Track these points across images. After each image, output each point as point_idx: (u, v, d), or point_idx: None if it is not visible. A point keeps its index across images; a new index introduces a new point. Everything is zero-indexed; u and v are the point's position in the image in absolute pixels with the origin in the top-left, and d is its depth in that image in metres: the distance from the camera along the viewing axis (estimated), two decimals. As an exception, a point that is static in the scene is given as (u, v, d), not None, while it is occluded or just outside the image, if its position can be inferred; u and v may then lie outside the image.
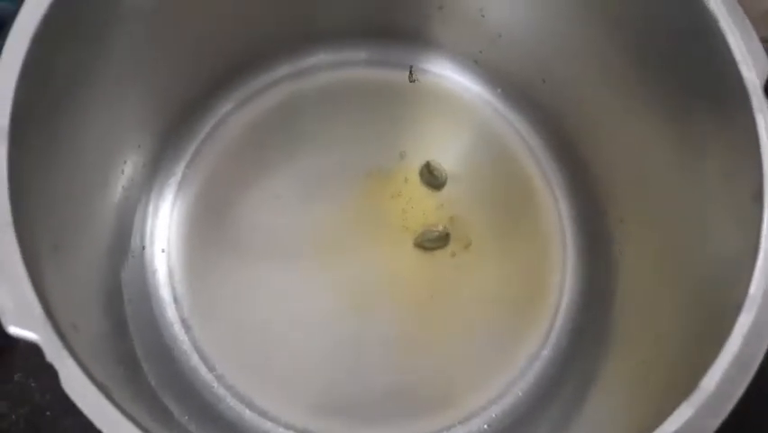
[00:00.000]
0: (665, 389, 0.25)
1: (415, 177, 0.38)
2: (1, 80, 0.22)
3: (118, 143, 0.32)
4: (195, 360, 0.33)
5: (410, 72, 0.40)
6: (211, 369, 0.33)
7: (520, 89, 0.39)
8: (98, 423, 0.19)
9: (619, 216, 0.35)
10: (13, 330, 0.19)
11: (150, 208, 0.36)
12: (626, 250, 0.34)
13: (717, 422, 0.22)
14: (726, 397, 0.22)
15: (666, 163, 0.31)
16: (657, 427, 0.22)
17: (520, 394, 0.34)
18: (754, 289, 0.23)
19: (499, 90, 0.40)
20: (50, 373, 0.34)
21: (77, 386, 0.19)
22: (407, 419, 0.33)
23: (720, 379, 0.22)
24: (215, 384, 0.33)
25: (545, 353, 0.35)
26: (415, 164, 0.38)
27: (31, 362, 0.35)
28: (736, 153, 0.26)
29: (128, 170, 0.33)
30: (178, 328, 0.34)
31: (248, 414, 0.33)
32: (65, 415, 0.34)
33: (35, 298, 0.20)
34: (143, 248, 0.35)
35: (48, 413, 0.34)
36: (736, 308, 0.23)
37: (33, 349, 0.20)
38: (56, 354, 0.19)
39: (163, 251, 0.35)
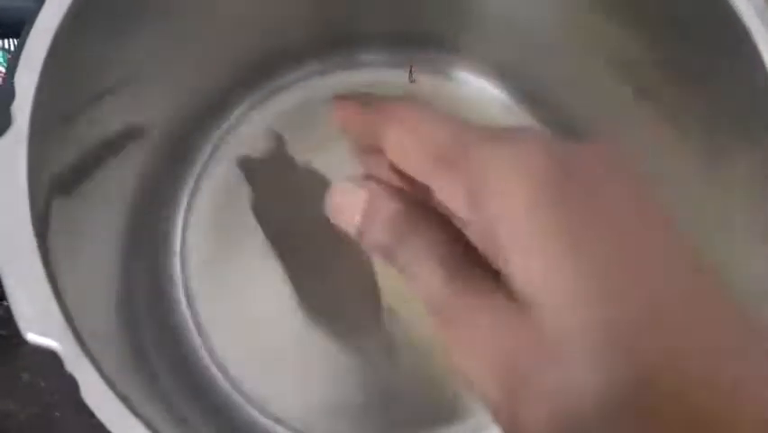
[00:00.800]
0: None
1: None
2: (22, 80, 0.21)
3: (135, 141, 0.31)
4: (209, 364, 0.33)
5: (410, 72, 0.39)
6: (225, 373, 0.33)
7: (537, 93, 0.38)
8: (120, 436, 0.18)
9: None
10: (32, 338, 0.19)
11: (165, 208, 0.35)
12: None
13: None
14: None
15: (686, 166, 0.30)
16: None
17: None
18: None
19: (515, 93, 0.39)
20: (59, 373, 0.34)
21: (97, 397, 0.19)
22: (423, 425, 0.33)
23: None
24: (230, 389, 0.33)
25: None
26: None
27: (39, 361, 0.34)
28: (762, 166, 0.25)
29: (144, 168, 0.33)
30: (192, 331, 0.34)
31: (263, 420, 0.33)
32: (74, 415, 0.34)
33: (56, 304, 0.19)
34: (158, 249, 0.35)
35: (57, 413, 0.34)
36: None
37: (41, 348, 0.20)
38: (76, 362, 0.19)
39: (176, 253, 0.35)
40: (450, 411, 0.33)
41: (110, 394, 0.19)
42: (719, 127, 0.28)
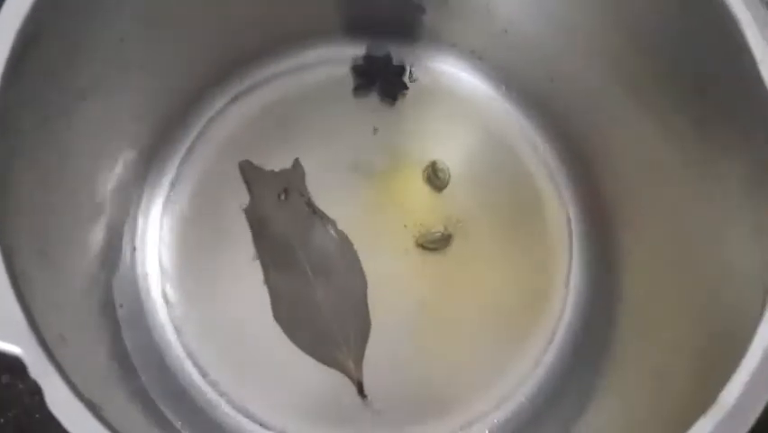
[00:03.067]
0: (680, 402, 0.24)
1: (417, 176, 0.37)
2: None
3: (109, 140, 0.31)
4: (188, 365, 0.33)
5: (410, 72, 0.38)
6: (204, 374, 0.33)
7: (526, 87, 0.38)
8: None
9: (628, 218, 0.34)
10: (-6, 343, 0.18)
11: (142, 208, 0.35)
12: (635, 254, 0.34)
13: (736, 439, 0.21)
14: (747, 412, 0.21)
15: (681, 169, 0.30)
16: (673, 443, 0.21)
17: (523, 400, 0.34)
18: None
19: (504, 88, 0.39)
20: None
21: (63, 405, 0.18)
22: (407, 424, 0.33)
23: (740, 393, 0.21)
24: (209, 390, 0.33)
25: (548, 358, 0.34)
26: (418, 163, 0.37)
27: (18, 363, 0.34)
28: (759, 165, 0.25)
29: (119, 168, 0.32)
30: (170, 332, 0.33)
31: (244, 421, 0.32)
32: (54, 418, 0.33)
33: (18, 308, 0.19)
34: (134, 250, 0.34)
35: (37, 415, 0.33)
36: (756, 319, 0.22)
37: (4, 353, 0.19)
38: (41, 369, 0.18)
39: (154, 255, 0.34)
40: (433, 410, 0.33)
41: (75, 402, 0.18)
42: (713, 127, 0.28)
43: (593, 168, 0.36)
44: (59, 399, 0.18)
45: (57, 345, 0.20)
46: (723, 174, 0.27)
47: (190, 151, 0.36)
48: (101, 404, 0.19)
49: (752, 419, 0.21)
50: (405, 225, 0.36)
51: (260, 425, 0.32)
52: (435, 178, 0.37)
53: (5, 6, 0.21)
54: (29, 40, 0.22)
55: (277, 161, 0.36)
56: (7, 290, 0.19)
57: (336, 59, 0.38)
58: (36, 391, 0.33)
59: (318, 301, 0.34)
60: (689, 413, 0.22)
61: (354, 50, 0.38)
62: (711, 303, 0.26)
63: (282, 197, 0.35)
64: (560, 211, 0.37)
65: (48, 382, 0.18)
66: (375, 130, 0.37)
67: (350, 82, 0.38)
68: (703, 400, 0.22)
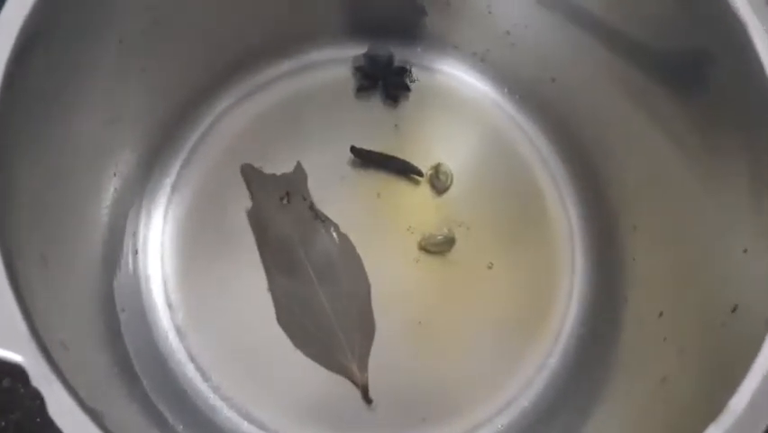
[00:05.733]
0: (687, 409, 0.24)
1: (420, 179, 0.37)
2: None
3: (112, 142, 0.31)
4: (190, 369, 0.33)
5: (410, 72, 0.38)
6: (206, 379, 0.33)
7: (528, 89, 0.38)
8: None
9: (632, 222, 0.34)
10: (-5, 350, 0.18)
11: (144, 211, 0.34)
12: (640, 258, 0.33)
13: (747, 447, 0.21)
14: (757, 419, 0.21)
15: (686, 172, 0.30)
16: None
17: (527, 405, 0.33)
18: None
19: (506, 90, 0.38)
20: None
21: (64, 413, 0.18)
22: (411, 429, 0.33)
23: (750, 399, 0.21)
24: (211, 394, 0.32)
25: (553, 362, 0.34)
26: (420, 165, 0.36)
27: (19, 367, 0.34)
28: (765, 170, 0.24)
29: (121, 170, 0.32)
30: (172, 336, 0.33)
31: (245, 425, 0.32)
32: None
33: (20, 314, 0.18)
34: (136, 253, 0.34)
35: (38, 419, 0.33)
36: (765, 324, 0.22)
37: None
38: (42, 377, 0.18)
39: (156, 257, 0.34)
40: (437, 415, 0.33)
41: (77, 410, 0.18)
42: (718, 131, 0.28)
43: (596, 170, 0.36)
44: (61, 407, 0.18)
45: (58, 351, 0.19)
46: (729, 178, 0.27)
47: (192, 154, 0.36)
48: (103, 411, 0.19)
49: (762, 425, 0.21)
50: (407, 229, 0.36)
51: (263, 429, 0.32)
52: (437, 180, 0.36)
53: (6, 7, 0.21)
54: (30, 40, 0.22)
55: (279, 163, 0.36)
56: (8, 297, 0.19)
57: (339, 60, 0.38)
58: (37, 396, 0.33)
59: (322, 305, 0.34)
60: (697, 420, 0.22)
61: (357, 52, 0.38)
62: (719, 308, 0.26)
63: (284, 200, 0.35)
64: (563, 213, 0.37)
65: (49, 390, 0.18)
66: (379, 132, 0.37)
67: (352, 83, 0.38)
68: (712, 407, 0.21)
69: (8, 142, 0.21)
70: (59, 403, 0.18)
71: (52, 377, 0.18)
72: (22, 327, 0.18)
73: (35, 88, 0.23)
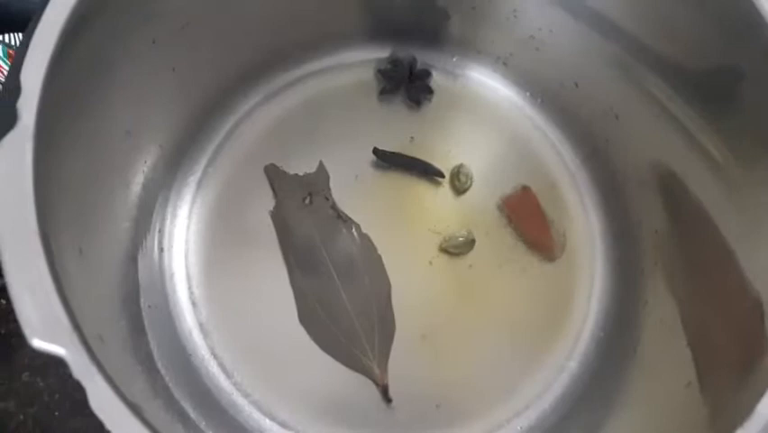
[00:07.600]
0: (713, 413, 0.24)
1: (442, 180, 0.37)
2: (28, 76, 0.20)
3: (140, 142, 0.31)
4: (213, 366, 0.33)
5: (433, 77, 0.38)
6: (229, 376, 0.33)
7: (551, 93, 0.38)
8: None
9: (654, 226, 0.34)
10: (38, 344, 0.18)
11: (169, 210, 0.35)
12: (661, 261, 0.33)
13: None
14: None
15: (708, 176, 0.30)
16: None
17: (546, 407, 0.34)
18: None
19: (528, 94, 0.39)
20: (58, 373, 0.34)
21: (106, 405, 0.18)
22: (430, 430, 0.33)
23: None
24: (233, 391, 0.33)
25: (572, 364, 0.34)
26: (441, 167, 0.37)
27: (38, 361, 0.34)
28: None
29: (148, 169, 0.32)
30: (196, 334, 0.33)
31: (266, 423, 0.32)
32: (73, 415, 0.34)
33: (62, 308, 0.19)
34: (162, 251, 0.34)
35: (56, 413, 0.34)
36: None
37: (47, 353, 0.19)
38: (84, 370, 0.18)
39: (180, 254, 0.34)
40: (456, 416, 0.33)
41: (119, 403, 0.18)
42: (741, 135, 0.28)
43: (617, 175, 0.36)
44: (103, 400, 0.18)
45: (96, 345, 0.20)
46: (753, 183, 0.27)
47: (217, 152, 0.36)
48: (141, 405, 0.19)
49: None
50: (428, 229, 0.36)
51: (284, 427, 0.32)
52: (458, 181, 0.36)
53: (49, 6, 0.21)
54: (71, 36, 0.22)
55: (302, 163, 0.36)
56: (51, 290, 0.19)
57: (362, 62, 0.38)
58: (55, 390, 0.34)
59: (343, 304, 0.34)
60: (723, 425, 0.22)
61: (380, 55, 0.38)
62: (744, 310, 0.26)
63: (307, 200, 0.35)
64: (583, 216, 0.37)
65: (91, 382, 0.18)
66: (401, 133, 0.37)
67: (375, 86, 0.38)
68: (739, 412, 0.21)
69: (49, 146, 0.21)
70: (100, 397, 0.18)
71: (93, 369, 0.18)
72: (64, 320, 0.18)
73: (73, 86, 0.23)
